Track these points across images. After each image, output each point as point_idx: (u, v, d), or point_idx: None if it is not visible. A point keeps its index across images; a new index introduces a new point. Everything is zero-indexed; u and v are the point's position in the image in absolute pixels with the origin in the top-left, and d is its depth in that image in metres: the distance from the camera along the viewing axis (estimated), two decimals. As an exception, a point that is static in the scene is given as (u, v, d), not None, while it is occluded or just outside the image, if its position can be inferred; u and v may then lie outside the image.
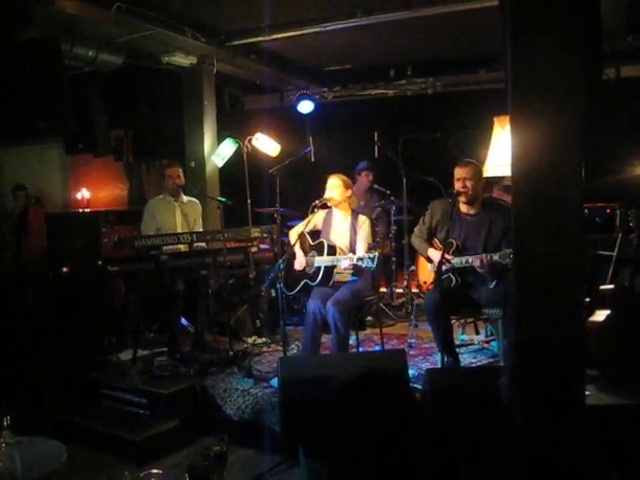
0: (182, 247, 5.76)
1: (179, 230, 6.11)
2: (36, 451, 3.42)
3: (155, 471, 2.68)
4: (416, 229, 5.32)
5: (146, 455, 4.60)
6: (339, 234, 5.52)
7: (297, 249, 5.59)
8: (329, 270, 5.35)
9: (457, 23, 6.76)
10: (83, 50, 6.61)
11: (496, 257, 4.67)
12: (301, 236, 5.56)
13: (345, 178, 5.57)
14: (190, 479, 2.64)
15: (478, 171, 5.02)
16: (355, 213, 5.56)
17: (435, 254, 5.02)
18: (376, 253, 4.85)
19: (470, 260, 4.80)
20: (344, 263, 5.12)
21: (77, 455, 3.43)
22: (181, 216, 6.22)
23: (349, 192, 5.54)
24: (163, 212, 6.19)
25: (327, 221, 5.63)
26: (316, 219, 5.64)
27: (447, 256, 4.80)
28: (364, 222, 5.46)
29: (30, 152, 8.57)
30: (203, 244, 5.85)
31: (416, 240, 5.27)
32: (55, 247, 7.64)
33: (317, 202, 5.36)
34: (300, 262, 5.54)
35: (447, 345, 4.89)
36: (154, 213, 6.18)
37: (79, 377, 5.74)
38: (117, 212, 7.94)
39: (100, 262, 5.85)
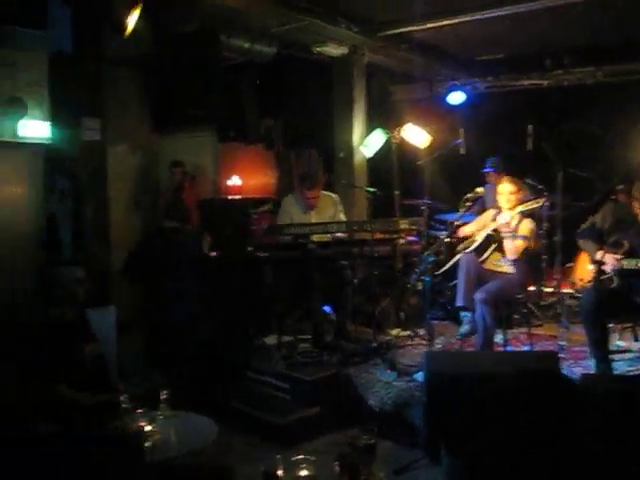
0: (316, 238, 5.72)
1: None
2: (190, 426, 3.55)
3: (307, 457, 2.69)
4: (584, 226, 5.08)
5: (288, 439, 4.67)
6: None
7: (464, 230, 5.56)
8: (487, 241, 5.27)
9: (621, 6, 6.33)
10: (238, 41, 6.78)
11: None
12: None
13: (517, 181, 5.45)
14: (340, 468, 2.63)
15: None
16: (522, 216, 5.39)
17: (602, 256, 4.76)
18: (541, 201, 4.72)
19: None
20: (505, 217, 5.00)
21: (222, 433, 3.52)
22: (316, 218, 6.16)
23: (520, 195, 5.39)
24: (297, 215, 6.14)
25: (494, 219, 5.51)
26: (486, 219, 5.56)
27: (615, 256, 4.53)
28: (527, 223, 5.32)
29: (184, 140, 8.90)
30: (342, 235, 5.82)
31: (583, 238, 5.05)
32: (205, 231, 7.93)
33: (469, 196, 5.24)
34: (462, 229, 5.53)
35: (601, 350, 4.63)
36: (290, 213, 6.16)
37: (226, 359, 5.93)
38: (266, 200, 8.09)
39: (250, 248, 5.99)
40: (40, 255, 7.42)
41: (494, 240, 5.32)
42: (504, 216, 5.06)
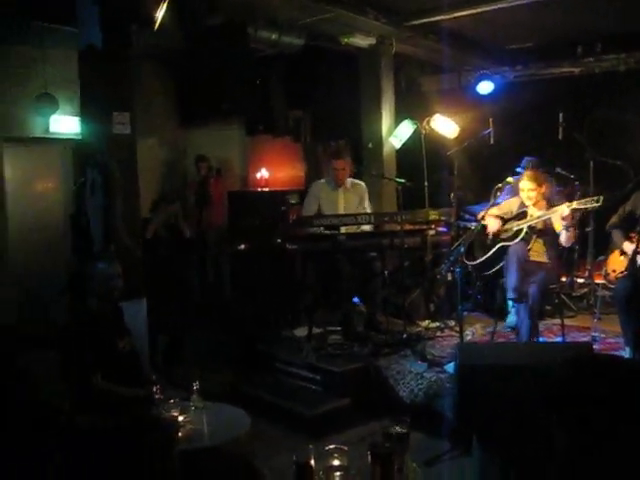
0: (344, 229, 5.74)
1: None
2: (222, 417, 3.58)
3: (340, 447, 2.69)
4: (614, 217, 5.01)
5: (318, 430, 4.68)
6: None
7: (490, 218, 5.48)
8: (532, 232, 5.23)
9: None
10: (266, 33, 6.77)
11: None
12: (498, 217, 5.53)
13: (538, 176, 5.38)
14: (372, 457, 2.62)
15: None
16: (550, 205, 5.32)
17: (630, 247, 4.69)
18: (600, 196, 4.68)
19: None
20: (564, 210, 4.88)
21: (252, 424, 3.53)
22: (344, 201, 6.20)
23: (543, 189, 5.31)
24: (326, 196, 6.19)
25: (522, 208, 5.46)
26: (512, 205, 5.51)
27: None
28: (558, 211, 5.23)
29: (212, 133, 8.96)
30: (368, 227, 5.84)
31: (613, 230, 4.97)
32: (235, 223, 7.99)
33: (500, 185, 5.19)
34: (492, 227, 5.44)
35: (636, 338, 4.56)
36: (318, 196, 6.20)
37: (255, 350, 5.96)
38: (295, 192, 8.11)
39: (279, 240, 6.00)
40: (72, 248, 7.55)
41: (536, 231, 5.25)
42: (563, 209, 4.92)
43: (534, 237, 5.25)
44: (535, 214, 5.27)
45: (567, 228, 4.96)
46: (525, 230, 5.26)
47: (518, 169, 6.98)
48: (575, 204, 4.83)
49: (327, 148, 9.06)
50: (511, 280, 5.14)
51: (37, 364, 4.61)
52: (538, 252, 5.26)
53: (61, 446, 2.28)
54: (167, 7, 5.28)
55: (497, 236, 5.46)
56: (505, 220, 5.52)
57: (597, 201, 4.73)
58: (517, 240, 5.28)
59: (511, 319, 5.54)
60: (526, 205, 5.37)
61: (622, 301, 4.54)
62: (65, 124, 7.30)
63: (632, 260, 4.38)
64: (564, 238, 5.04)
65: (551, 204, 5.33)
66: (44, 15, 6.07)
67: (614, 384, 1.61)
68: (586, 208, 4.84)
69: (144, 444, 1.60)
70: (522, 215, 5.39)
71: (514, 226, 5.38)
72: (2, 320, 6.55)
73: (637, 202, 4.88)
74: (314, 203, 6.19)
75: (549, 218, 5.18)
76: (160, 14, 5.27)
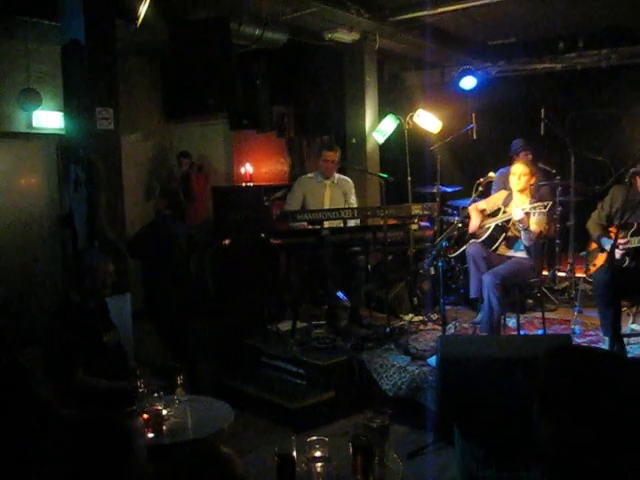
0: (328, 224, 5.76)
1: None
2: (206, 410, 3.60)
3: (321, 438, 2.73)
4: (594, 214, 5.11)
5: (302, 423, 4.72)
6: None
7: (474, 214, 5.56)
8: (498, 231, 5.30)
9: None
10: (249, 29, 6.78)
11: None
12: (481, 211, 5.59)
13: (531, 166, 5.45)
14: (353, 449, 2.67)
15: None
16: (535, 200, 5.37)
17: (609, 243, 4.76)
18: (550, 202, 4.80)
19: None
20: (518, 213, 4.99)
21: (237, 418, 3.56)
22: (330, 196, 6.24)
23: (533, 180, 5.36)
24: (312, 191, 6.24)
25: (506, 202, 5.50)
26: (497, 199, 5.56)
27: (622, 240, 4.54)
28: (539, 217, 5.28)
29: (196, 128, 8.96)
30: (352, 222, 5.88)
31: (592, 226, 5.08)
32: (219, 219, 7.99)
33: (481, 180, 5.24)
34: (474, 225, 5.52)
35: (615, 329, 4.63)
36: (303, 191, 6.24)
37: (240, 344, 5.98)
38: (279, 187, 8.14)
39: (263, 235, 6.02)
40: (54, 244, 7.53)
41: (504, 230, 5.32)
42: (517, 212, 5.02)
43: (503, 235, 5.32)
44: (510, 210, 5.32)
45: (525, 229, 5.05)
46: (492, 229, 5.34)
47: (515, 151, 7.05)
48: (528, 207, 4.91)
49: (313, 142, 9.12)
50: (471, 281, 5.31)
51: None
52: (506, 246, 5.35)
53: (47, 439, 2.30)
54: (151, 1, 5.28)
55: (474, 233, 5.55)
56: (484, 217, 5.59)
57: (545, 207, 4.85)
58: (484, 238, 5.36)
59: (479, 317, 5.63)
60: (512, 190, 5.41)
61: (601, 292, 4.61)
62: (49, 119, 7.27)
63: (611, 253, 4.44)
64: (524, 238, 5.12)
65: (536, 198, 5.39)
66: (27, 9, 6.04)
67: (594, 374, 1.64)
68: (535, 212, 4.89)
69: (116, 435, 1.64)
70: (497, 212, 5.47)
71: (486, 223, 5.47)
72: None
73: (614, 198, 4.95)
74: (299, 198, 6.22)
75: (509, 220, 5.27)
76: (144, 8, 5.27)
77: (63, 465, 1.69)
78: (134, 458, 1.70)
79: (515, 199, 5.42)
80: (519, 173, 5.30)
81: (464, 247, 5.53)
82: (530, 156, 7.03)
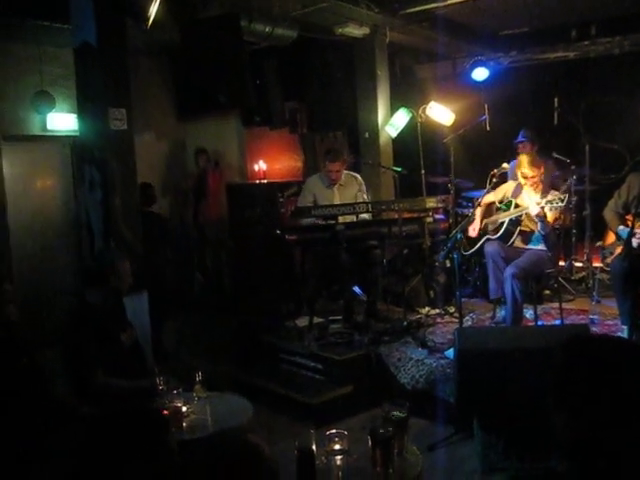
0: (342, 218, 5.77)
1: None
2: (225, 406, 3.61)
3: (340, 431, 2.73)
4: (610, 202, 5.07)
5: (321, 418, 4.73)
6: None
7: (477, 215, 5.53)
8: (513, 225, 5.26)
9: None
10: (260, 26, 6.78)
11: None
12: (489, 204, 5.55)
13: (535, 156, 5.41)
14: (372, 442, 2.67)
15: None
16: (546, 192, 5.34)
17: (626, 232, 4.73)
18: (566, 195, 4.77)
19: None
20: (534, 209, 4.96)
21: (255, 414, 3.57)
22: (339, 198, 6.18)
23: (540, 171, 5.32)
24: (320, 193, 6.19)
25: (516, 193, 5.48)
26: (506, 190, 5.54)
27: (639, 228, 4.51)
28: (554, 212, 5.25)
29: (209, 126, 8.99)
30: (366, 215, 5.87)
31: (608, 214, 5.05)
32: (234, 215, 8.03)
33: (495, 171, 5.20)
34: (474, 228, 5.50)
35: (633, 318, 4.61)
36: (313, 191, 6.22)
37: (257, 341, 6.01)
38: (293, 183, 8.14)
39: (278, 231, 6.03)
40: (70, 245, 7.57)
41: (519, 223, 5.28)
42: (534, 209, 4.99)
43: (518, 229, 5.29)
44: (523, 203, 5.29)
45: (542, 220, 5.02)
46: (507, 223, 5.31)
47: (519, 140, 7.00)
48: (543, 202, 4.88)
49: (326, 137, 9.11)
50: (490, 282, 5.32)
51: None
52: (521, 241, 5.32)
53: (66, 436, 2.33)
54: (161, 0, 5.30)
55: (484, 230, 5.53)
56: (492, 212, 5.56)
57: (562, 200, 4.84)
58: (499, 234, 5.33)
59: (501, 314, 5.60)
60: (522, 185, 5.38)
61: (619, 281, 4.58)
62: (62, 121, 7.32)
63: (628, 241, 4.41)
64: (541, 227, 5.11)
65: (550, 188, 5.36)
66: (39, 13, 6.08)
67: (613, 362, 1.63)
68: (552, 206, 4.86)
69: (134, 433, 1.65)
70: (507, 205, 5.45)
71: (499, 218, 5.44)
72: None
73: (631, 186, 4.91)
74: (309, 200, 6.19)
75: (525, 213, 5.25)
76: (154, 8, 5.28)
77: (89, 458, 1.70)
78: (171, 447, 1.71)
79: (525, 191, 5.40)
80: (521, 164, 5.29)
81: (478, 244, 5.51)
82: (530, 146, 6.95)
